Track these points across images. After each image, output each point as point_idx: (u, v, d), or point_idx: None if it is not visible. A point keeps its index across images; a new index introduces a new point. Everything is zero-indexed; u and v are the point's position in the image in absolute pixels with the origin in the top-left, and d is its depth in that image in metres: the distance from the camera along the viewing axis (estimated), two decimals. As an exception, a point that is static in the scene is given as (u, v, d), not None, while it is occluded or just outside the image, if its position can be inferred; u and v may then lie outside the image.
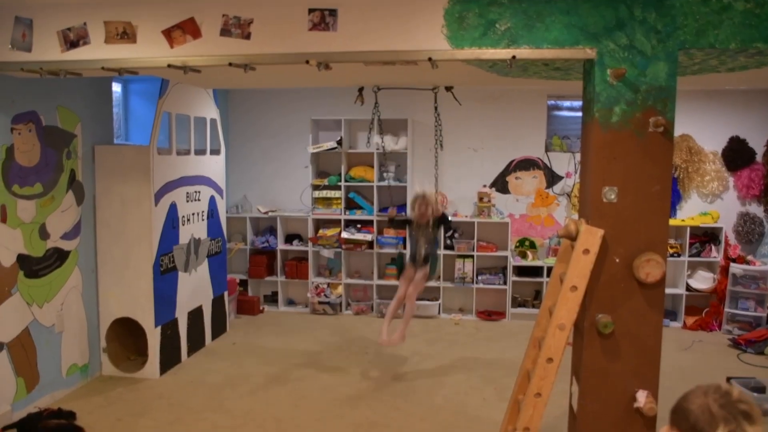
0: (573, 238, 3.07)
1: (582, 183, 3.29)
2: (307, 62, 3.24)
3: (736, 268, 6.51)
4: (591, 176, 3.02)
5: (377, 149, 6.86)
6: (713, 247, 6.74)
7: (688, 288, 6.75)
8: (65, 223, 4.72)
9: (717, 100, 6.77)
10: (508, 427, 3.55)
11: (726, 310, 6.55)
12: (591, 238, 2.96)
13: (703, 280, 6.76)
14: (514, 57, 3.04)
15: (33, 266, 4.41)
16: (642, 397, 3.01)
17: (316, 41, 3.25)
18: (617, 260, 3.01)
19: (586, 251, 2.96)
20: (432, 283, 7.09)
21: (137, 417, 4.41)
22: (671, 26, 2.87)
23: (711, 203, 6.92)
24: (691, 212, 6.91)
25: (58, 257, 4.66)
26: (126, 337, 5.30)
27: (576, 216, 6.81)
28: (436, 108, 5.41)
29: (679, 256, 6.69)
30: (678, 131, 3.32)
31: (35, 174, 4.40)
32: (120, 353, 5.30)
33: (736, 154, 6.80)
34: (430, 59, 3.14)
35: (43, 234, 4.50)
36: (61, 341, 4.73)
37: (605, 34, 2.93)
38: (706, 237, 6.81)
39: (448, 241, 7.09)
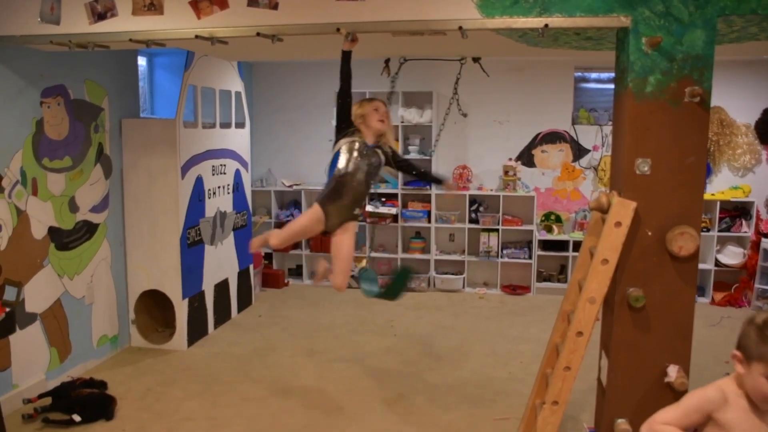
0: (604, 210, 3.03)
1: (614, 155, 3.23)
2: (338, 30, 3.20)
3: (767, 243, 6.40)
4: (624, 148, 2.96)
5: (401, 122, 6.83)
6: (744, 222, 6.63)
7: (717, 263, 6.66)
8: (94, 196, 4.77)
9: (750, 70, 6.60)
10: (536, 400, 3.55)
11: (756, 285, 6.45)
12: (623, 210, 2.91)
13: (732, 255, 6.67)
14: (546, 26, 2.98)
15: (63, 239, 4.47)
16: (673, 372, 2.98)
17: (344, 11, 3.20)
18: (649, 233, 2.96)
19: (618, 224, 2.91)
20: (456, 257, 7.11)
21: (166, 387, 4.47)
22: (710, -8, 2.78)
23: (742, 177, 6.79)
24: (721, 186, 6.79)
25: (87, 230, 4.71)
26: (154, 309, 5.37)
27: (603, 189, 6.74)
28: (457, 80, 5.35)
29: (708, 230, 6.59)
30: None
31: (64, 147, 4.43)
32: (148, 325, 5.38)
33: (770, 127, 6.65)
34: (460, 28, 3.09)
35: (73, 207, 4.55)
36: (92, 313, 4.80)
37: (640, 1, 2.84)
38: (737, 211, 6.70)
39: (473, 215, 7.06)
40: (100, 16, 3.54)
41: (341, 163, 3.47)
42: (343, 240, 3.57)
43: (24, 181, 4.10)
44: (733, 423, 1.89)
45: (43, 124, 4.24)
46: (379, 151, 3.55)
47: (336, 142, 3.54)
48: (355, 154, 3.47)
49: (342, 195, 3.48)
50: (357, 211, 3.55)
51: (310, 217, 3.58)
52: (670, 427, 1.93)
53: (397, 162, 3.70)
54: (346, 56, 3.41)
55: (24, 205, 4.12)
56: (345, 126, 3.52)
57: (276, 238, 3.69)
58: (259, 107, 7.49)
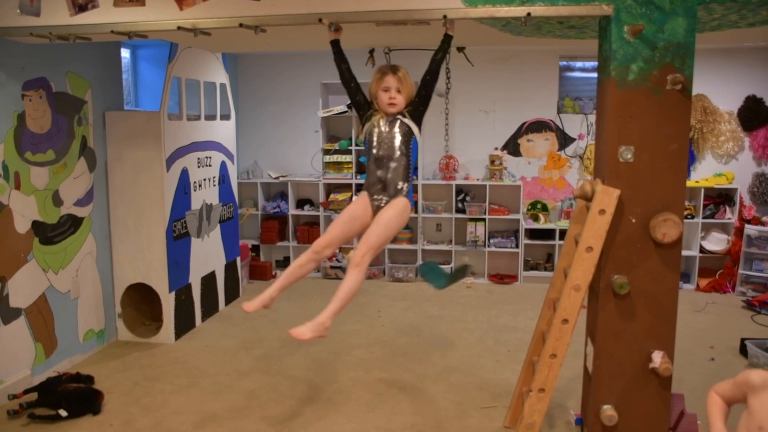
0: (588, 198, 3.05)
1: (597, 143, 3.25)
2: (320, 21, 3.19)
3: (750, 229, 6.46)
4: (607, 136, 2.98)
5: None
6: (728, 209, 6.69)
7: (702, 250, 6.72)
8: (78, 190, 4.73)
9: (733, 58, 6.65)
10: (522, 388, 3.57)
11: (740, 271, 6.52)
12: (607, 198, 2.93)
13: (716, 242, 6.73)
14: (528, 14, 2.98)
15: (48, 233, 4.44)
16: (657, 358, 3.01)
17: (327, 1, 3.20)
18: (633, 220, 2.99)
19: (602, 211, 2.94)
20: (443, 247, 7.12)
21: (154, 381, 4.46)
22: (691, -20, 2.80)
23: (726, 164, 6.85)
24: (705, 173, 6.85)
25: (72, 224, 4.68)
26: (140, 303, 5.35)
27: (588, 178, 6.77)
28: (447, 70, 5.34)
29: (692, 217, 6.65)
30: (692, 91, 3.24)
31: (47, 141, 4.39)
32: (135, 319, 5.36)
33: (753, 114, 6.69)
34: (444, 17, 3.09)
35: (57, 201, 4.51)
36: (77, 307, 4.77)
37: (622, -10, 2.86)
38: (721, 198, 6.76)
39: (460, 205, 7.07)
40: (81, 8, 3.50)
41: (369, 147, 3.35)
42: (386, 212, 3.27)
43: (6, 175, 4.06)
44: (756, 408, 1.94)
45: (24, 117, 4.20)
46: (399, 118, 3.30)
47: (362, 127, 3.44)
48: (376, 133, 3.32)
49: (380, 175, 3.31)
50: (401, 185, 3.29)
51: (357, 201, 3.38)
52: (717, 396, 2.09)
53: (423, 95, 3.36)
54: (335, 45, 3.38)
55: (6, 199, 4.08)
56: (363, 111, 3.41)
57: (322, 239, 3.35)
58: (244, 99, 7.46)
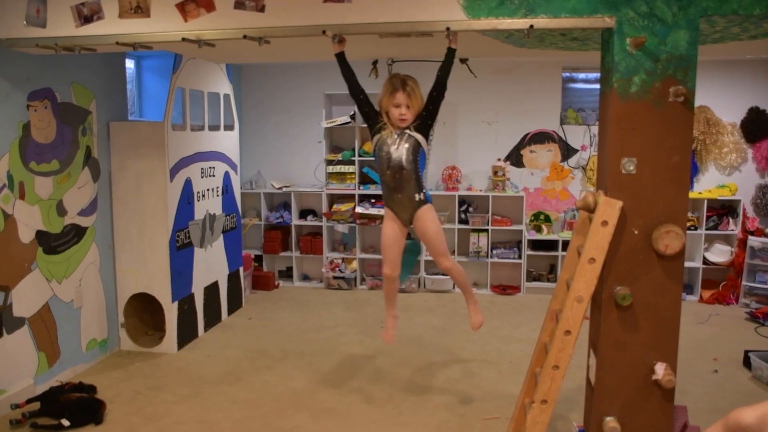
0: (591, 210, 3.05)
1: (600, 154, 3.25)
2: (324, 33, 3.21)
3: (754, 240, 6.45)
4: (609, 147, 2.99)
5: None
6: (731, 220, 6.68)
7: (705, 261, 6.71)
8: (82, 200, 4.75)
9: (736, 70, 6.66)
10: (525, 399, 3.56)
11: (743, 283, 6.51)
12: (609, 209, 2.93)
13: (720, 254, 6.71)
14: (531, 26, 2.99)
15: (51, 242, 4.45)
16: (660, 370, 3.00)
17: (331, 13, 3.21)
18: (636, 232, 2.98)
19: (605, 223, 2.93)
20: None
21: (156, 391, 4.46)
22: (693, -8, 2.81)
23: (729, 175, 6.85)
24: (708, 185, 6.85)
25: (75, 233, 4.69)
26: (143, 313, 5.36)
27: (591, 189, 6.77)
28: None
29: (695, 229, 6.64)
30: (695, 103, 3.25)
31: (52, 151, 4.42)
32: (138, 328, 5.36)
33: (756, 126, 6.70)
34: (447, 29, 3.10)
35: (61, 210, 4.53)
36: (80, 317, 4.78)
37: (624, 2, 2.86)
38: (724, 210, 6.75)
39: (463, 216, 7.07)
40: (87, 19, 3.53)
41: (380, 162, 3.53)
42: (424, 226, 3.60)
43: (11, 185, 4.08)
44: None
45: (29, 127, 4.22)
46: (408, 132, 3.46)
47: (372, 138, 3.59)
48: (386, 149, 3.47)
49: (394, 190, 3.53)
50: (418, 197, 3.55)
51: (387, 221, 3.67)
52: None
53: (430, 109, 3.47)
54: (340, 58, 3.45)
55: (11, 209, 4.10)
56: (372, 122, 3.53)
57: (387, 267, 3.75)
58: (248, 109, 7.49)
